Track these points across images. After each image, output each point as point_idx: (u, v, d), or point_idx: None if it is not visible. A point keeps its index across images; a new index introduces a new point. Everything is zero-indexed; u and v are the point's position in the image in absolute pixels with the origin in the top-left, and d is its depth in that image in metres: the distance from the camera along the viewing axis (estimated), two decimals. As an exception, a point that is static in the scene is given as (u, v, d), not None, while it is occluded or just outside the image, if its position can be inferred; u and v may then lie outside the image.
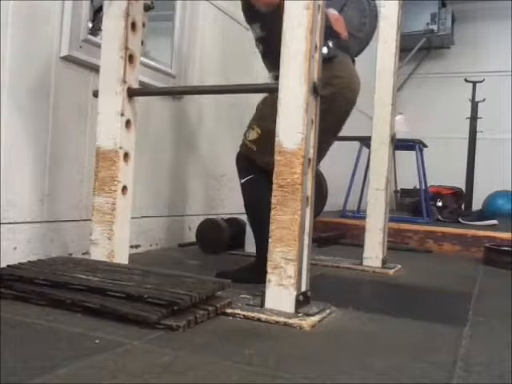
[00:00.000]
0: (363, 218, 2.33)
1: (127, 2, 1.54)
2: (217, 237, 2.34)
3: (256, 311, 1.27)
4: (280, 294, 1.28)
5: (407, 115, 4.29)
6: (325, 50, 1.65)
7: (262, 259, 1.37)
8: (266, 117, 1.71)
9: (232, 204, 2.89)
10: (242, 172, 1.78)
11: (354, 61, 1.93)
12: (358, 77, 1.89)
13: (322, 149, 1.65)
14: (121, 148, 1.55)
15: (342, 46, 1.83)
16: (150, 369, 0.89)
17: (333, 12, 1.98)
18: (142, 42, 1.78)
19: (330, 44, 1.72)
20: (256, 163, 1.73)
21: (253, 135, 1.72)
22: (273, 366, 0.95)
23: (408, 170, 4.65)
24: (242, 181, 1.77)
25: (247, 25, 1.86)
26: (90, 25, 1.90)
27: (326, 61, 1.58)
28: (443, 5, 6.49)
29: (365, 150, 3.65)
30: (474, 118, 5.30)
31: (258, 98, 1.83)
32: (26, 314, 1.18)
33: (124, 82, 1.55)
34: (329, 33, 1.71)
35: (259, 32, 1.78)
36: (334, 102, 1.70)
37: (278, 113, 1.31)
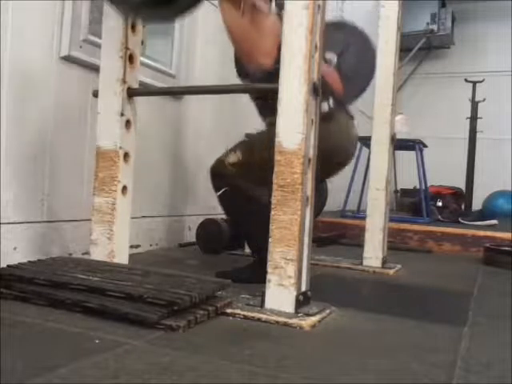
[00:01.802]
0: (363, 217, 2.33)
1: (127, 2, 1.54)
2: (217, 237, 2.34)
3: (256, 311, 1.27)
4: (280, 294, 1.28)
5: (407, 115, 4.28)
6: (325, 106, 1.69)
7: (261, 259, 1.37)
8: (250, 144, 1.75)
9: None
10: (216, 186, 1.80)
11: (352, 117, 1.96)
12: (355, 134, 1.93)
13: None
14: (121, 148, 1.55)
15: (341, 103, 1.87)
16: (150, 369, 0.89)
17: (327, 69, 2.00)
18: (142, 42, 1.78)
19: (331, 101, 1.73)
20: (229, 179, 1.74)
21: (233, 158, 1.74)
22: (273, 366, 0.95)
23: (408, 170, 4.65)
24: (218, 194, 1.80)
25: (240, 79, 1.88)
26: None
27: (326, 118, 1.60)
28: (443, 5, 6.49)
29: (365, 149, 3.65)
30: (474, 118, 5.29)
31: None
32: (26, 314, 1.18)
33: (124, 81, 1.55)
34: (329, 90, 1.76)
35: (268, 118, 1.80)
36: (329, 158, 1.70)
37: (278, 113, 1.31)
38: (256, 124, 2.01)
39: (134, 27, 1.57)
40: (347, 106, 1.95)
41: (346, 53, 2.25)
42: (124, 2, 1.39)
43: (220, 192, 1.79)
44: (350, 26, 2.48)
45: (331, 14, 4.28)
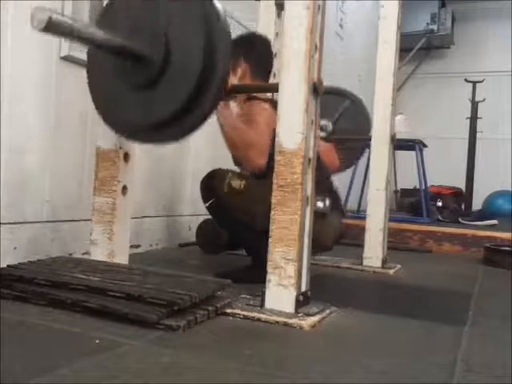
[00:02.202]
0: (363, 217, 2.33)
1: (127, 2, 1.54)
2: (217, 237, 2.33)
3: (256, 311, 1.27)
4: (280, 294, 1.28)
5: (407, 115, 4.29)
6: (320, 204, 1.69)
7: (260, 259, 1.37)
8: (254, 186, 1.72)
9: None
10: (205, 195, 1.79)
11: (343, 215, 1.99)
12: (342, 229, 1.96)
13: None
14: (121, 148, 1.55)
15: (338, 202, 1.89)
16: (150, 369, 0.89)
17: (324, 145, 2.04)
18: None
19: (327, 202, 1.74)
20: (220, 196, 1.72)
21: (236, 183, 1.71)
22: (273, 366, 0.95)
23: (408, 170, 4.66)
24: (206, 205, 1.79)
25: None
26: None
27: (318, 216, 1.57)
28: (443, 5, 6.50)
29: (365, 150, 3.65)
30: (474, 118, 5.30)
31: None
32: (26, 314, 1.18)
33: (124, 82, 1.55)
34: (327, 187, 1.81)
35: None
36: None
37: (278, 113, 1.31)
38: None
39: (134, 27, 1.57)
40: (341, 204, 1.98)
41: (341, 119, 2.29)
42: (123, 128, 1.43)
43: (208, 203, 1.77)
44: (344, 92, 2.52)
45: (331, 14, 4.29)
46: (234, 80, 1.72)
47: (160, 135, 1.38)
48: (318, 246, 1.63)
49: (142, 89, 1.33)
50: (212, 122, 2.75)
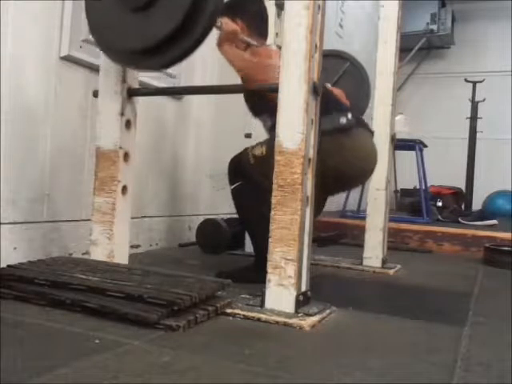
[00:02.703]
0: (363, 217, 2.33)
1: (127, 1, 1.54)
2: (217, 237, 2.34)
3: (256, 311, 1.27)
4: (280, 294, 1.28)
5: (407, 115, 4.29)
6: (343, 120, 1.68)
7: (262, 259, 1.37)
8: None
9: (232, 204, 2.88)
10: (231, 177, 1.80)
11: (372, 133, 1.94)
12: (375, 150, 1.89)
13: (321, 204, 1.79)
14: (121, 148, 1.55)
15: (360, 119, 1.86)
16: (150, 369, 0.89)
17: (335, 88, 2.04)
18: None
19: (349, 116, 1.72)
20: (247, 173, 1.74)
21: (258, 151, 1.73)
22: (273, 366, 0.95)
23: (408, 169, 4.65)
24: (232, 187, 1.79)
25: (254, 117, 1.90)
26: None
27: (342, 131, 1.61)
28: (443, 5, 6.50)
29: (365, 150, 3.65)
30: (474, 118, 5.30)
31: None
32: (26, 313, 1.18)
33: (124, 81, 1.55)
34: (345, 105, 1.79)
35: (269, 121, 1.79)
36: (341, 173, 1.71)
37: (278, 113, 1.31)
38: (257, 124, 2.01)
39: (133, 27, 1.57)
40: (366, 122, 1.93)
41: (341, 82, 2.27)
42: (114, 50, 1.42)
43: (235, 185, 1.77)
44: (344, 55, 2.51)
45: (331, 14, 4.29)
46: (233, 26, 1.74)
47: (155, 59, 1.36)
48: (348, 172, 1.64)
49: (137, 11, 1.32)
50: (213, 126, 2.76)
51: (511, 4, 5.99)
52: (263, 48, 1.83)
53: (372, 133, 1.93)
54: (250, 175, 1.72)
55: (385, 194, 2.21)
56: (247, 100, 1.88)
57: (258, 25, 1.90)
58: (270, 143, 1.72)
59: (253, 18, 1.88)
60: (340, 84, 2.32)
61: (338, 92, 1.98)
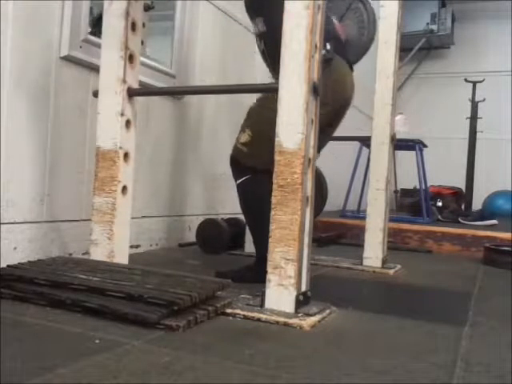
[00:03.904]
0: (363, 217, 2.33)
1: (127, 1, 1.54)
2: (217, 237, 2.34)
3: (256, 311, 1.27)
4: (280, 294, 1.28)
5: (407, 115, 4.29)
6: (322, 52, 1.65)
7: (262, 259, 1.37)
8: (258, 119, 1.72)
9: (232, 204, 2.88)
10: (236, 174, 1.79)
11: (351, 66, 1.92)
12: (352, 82, 1.89)
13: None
14: (121, 148, 1.55)
15: (340, 49, 1.83)
16: (150, 369, 0.89)
17: (335, 21, 1.99)
18: (142, 42, 1.78)
19: (328, 46, 1.71)
20: (246, 165, 1.73)
21: (244, 138, 1.73)
22: (273, 366, 0.95)
23: (408, 169, 4.66)
24: (237, 182, 1.77)
25: (249, 20, 1.84)
26: (89, 30, 1.90)
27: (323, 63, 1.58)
28: (443, 5, 6.50)
29: (365, 150, 3.65)
30: (474, 118, 5.30)
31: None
32: (26, 313, 1.18)
33: (124, 81, 1.55)
34: (330, 35, 1.72)
35: (261, 27, 1.76)
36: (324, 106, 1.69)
37: (277, 113, 1.31)
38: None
39: (134, 27, 1.57)
40: (347, 54, 1.89)
41: (345, 18, 2.23)
42: None
43: (239, 181, 1.76)
44: None
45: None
46: None
47: None
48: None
49: None
50: (213, 126, 2.76)
51: (511, 4, 5.99)
52: None
53: (349, 62, 1.90)
54: (251, 165, 1.71)
55: (385, 194, 2.21)
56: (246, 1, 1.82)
57: None
58: (248, 120, 1.73)
59: None
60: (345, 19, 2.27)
61: (337, 25, 1.95)
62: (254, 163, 1.70)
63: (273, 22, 1.67)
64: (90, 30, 1.89)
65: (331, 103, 1.73)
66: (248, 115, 1.79)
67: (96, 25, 1.96)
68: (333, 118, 1.86)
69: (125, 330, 1.09)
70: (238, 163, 1.77)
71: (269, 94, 1.64)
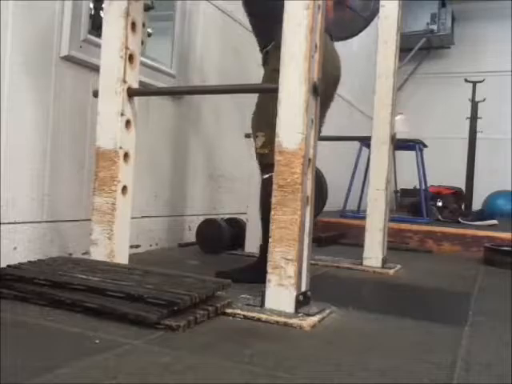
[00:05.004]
0: (363, 217, 2.33)
1: (127, 1, 1.54)
2: (217, 237, 2.34)
3: (256, 311, 1.27)
4: (280, 294, 1.28)
5: (407, 115, 4.29)
6: None
7: (263, 259, 1.37)
8: (262, 117, 1.71)
9: (232, 204, 2.89)
10: (263, 169, 1.76)
11: (332, 38, 1.89)
12: (337, 53, 1.88)
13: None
14: (121, 148, 1.55)
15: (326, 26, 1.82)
16: (150, 369, 0.89)
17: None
18: (142, 42, 1.78)
19: None
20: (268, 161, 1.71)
21: (260, 141, 1.72)
22: (273, 366, 0.95)
23: (408, 170, 4.66)
24: (264, 177, 1.75)
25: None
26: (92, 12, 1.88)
27: None
28: (443, 5, 6.50)
29: (365, 149, 3.65)
30: (474, 118, 5.30)
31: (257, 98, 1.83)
32: (26, 314, 1.18)
33: (124, 81, 1.55)
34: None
35: (257, 12, 1.78)
36: None
37: (277, 113, 1.31)
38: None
39: (134, 27, 1.57)
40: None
41: None
42: None
43: (266, 176, 1.72)
44: None
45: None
46: None
47: None
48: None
49: None
50: (212, 126, 2.76)
51: (511, 4, 6.00)
52: None
53: (331, 36, 1.88)
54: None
55: (385, 194, 2.21)
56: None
57: None
58: (256, 122, 1.73)
59: None
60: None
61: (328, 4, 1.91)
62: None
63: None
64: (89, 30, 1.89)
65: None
66: (254, 116, 1.79)
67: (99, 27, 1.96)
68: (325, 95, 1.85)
69: (125, 329, 1.09)
70: (265, 162, 1.74)
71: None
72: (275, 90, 1.32)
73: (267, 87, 1.67)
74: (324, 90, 1.71)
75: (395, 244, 3.00)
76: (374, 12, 2.27)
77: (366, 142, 3.25)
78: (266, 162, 1.73)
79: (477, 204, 5.37)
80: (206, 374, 0.90)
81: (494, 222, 3.88)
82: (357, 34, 2.10)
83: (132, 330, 1.10)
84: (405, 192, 5.49)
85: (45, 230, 1.77)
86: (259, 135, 1.73)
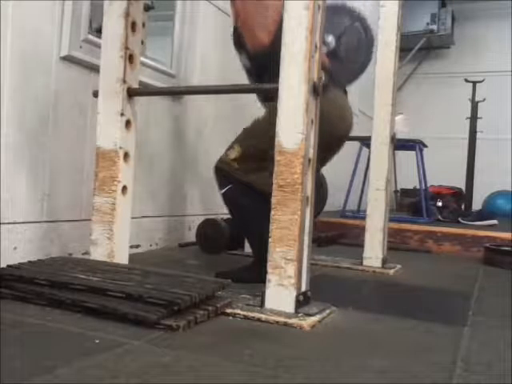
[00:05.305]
0: (363, 218, 2.33)
1: (127, 1, 1.54)
2: (217, 237, 2.33)
3: (256, 311, 1.27)
4: (280, 294, 1.28)
5: (407, 115, 4.29)
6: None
7: (261, 259, 1.37)
8: (249, 135, 1.75)
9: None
10: (220, 184, 1.80)
11: (346, 92, 1.94)
12: (350, 109, 1.91)
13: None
14: (121, 148, 1.55)
15: (334, 78, 1.83)
16: (150, 369, 0.89)
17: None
18: (142, 42, 1.78)
19: (323, 76, 1.71)
20: (232, 176, 1.74)
21: (233, 154, 1.73)
22: (273, 366, 0.95)
23: (408, 169, 4.65)
24: (222, 191, 1.78)
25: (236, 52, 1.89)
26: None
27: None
28: (443, 5, 6.50)
29: (365, 150, 3.65)
30: (474, 118, 5.30)
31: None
32: (26, 313, 1.18)
33: (124, 81, 1.55)
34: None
35: (247, 63, 1.82)
36: (327, 132, 1.63)
37: (277, 113, 1.31)
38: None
39: (134, 27, 1.57)
40: (340, 81, 1.91)
41: (345, 36, 2.24)
42: None
43: (224, 189, 1.77)
44: (350, 10, 2.47)
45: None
46: None
47: None
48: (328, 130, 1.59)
49: None
50: (213, 126, 2.76)
51: (511, 4, 5.99)
52: None
53: (346, 92, 1.92)
54: (239, 179, 1.72)
55: (385, 194, 2.21)
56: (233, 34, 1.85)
57: None
58: (241, 138, 1.75)
59: None
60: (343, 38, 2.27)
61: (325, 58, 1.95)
62: (249, 179, 1.70)
63: (258, 62, 1.75)
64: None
65: (333, 129, 1.74)
66: (240, 134, 1.81)
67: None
68: (330, 147, 1.86)
69: (125, 329, 1.09)
70: (224, 174, 1.76)
71: (262, 122, 1.70)
72: (275, 90, 1.32)
73: (266, 87, 1.67)
74: (327, 144, 1.72)
75: (395, 244, 3.00)
76: (368, 59, 2.30)
77: (365, 142, 3.26)
78: (223, 174, 1.76)
79: (477, 204, 5.36)
80: (206, 374, 0.90)
81: (494, 222, 3.88)
82: (348, 85, 2.14)
83: (132, 330, 1.10)
84: (405, 192, 5.49)
85: (45, 230, 1.77)
86: (235, 147, 1.74)
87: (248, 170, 1.70)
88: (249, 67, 1.85)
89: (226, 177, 1.76)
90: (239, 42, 1.83)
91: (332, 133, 1.73)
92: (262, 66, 1.62)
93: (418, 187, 4.25)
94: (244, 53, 1.82)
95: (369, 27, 2.36)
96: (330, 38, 1.96)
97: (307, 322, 1.21)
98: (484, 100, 5.25)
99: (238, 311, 1.27)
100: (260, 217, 1.56)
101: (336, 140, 1.86)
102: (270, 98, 1.70)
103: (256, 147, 1.68)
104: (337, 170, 3.81)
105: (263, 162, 1.56)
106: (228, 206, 1.81)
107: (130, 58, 1.57)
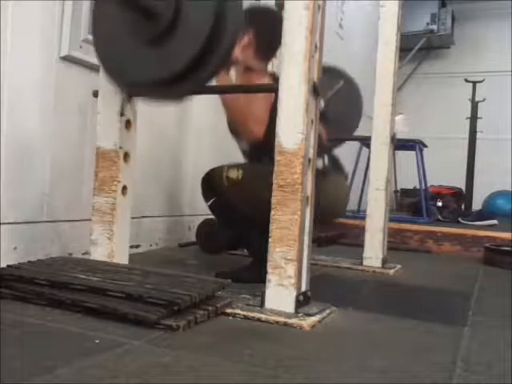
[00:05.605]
0: (363, 218, 2.33)
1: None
2: (217, 237, 2.33)
3: (256, 311, 1.27)
4: (280, 294, 1.28)
5: (407, 115, 4.29)
6: (320, 163, 1.65)
7: (257, 260, 1.37)
8: (253, 174, 1.69)
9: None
10: (206, 195, 1.81)
11: (346, 176, 1.98)
12: (347, 194, 1.96)
13: None
14: (121, 148, 1.55)
15: (336, 161, 1.87)
16: (150, 369, 0.89)
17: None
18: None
19: (326, 159, 1.73)
20: (219, 194, 1.74)
21: (233, 174, 1.68)
22: (273, 366, 0.95)
23: (408, 169, 4.66)
24: (208, 203, 1.80)
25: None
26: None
27: (320, 175, 1.50)
28: (443, 5, 6.51)
29: (365, 150, 3.65)
30: (474, 118, 5.30)
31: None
32: (26, 314, 1.18)
33: (124, 81, 1.55)
34: (326, 148, 1.78)
35: (246, 149, 1.83)
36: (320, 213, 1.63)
37: (278, 113, 1.31)
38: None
39: (133, 27, 1.57)
40: (342, 165, 1.95)
41: (334, 98, 2.27)
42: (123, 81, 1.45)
43: (210, 202, 1.79)
44: (337, 71, 2.51)
45: (331, 14, 4.28)
46: (237, 50, 1.64)
47: (165, 92, 1.39)
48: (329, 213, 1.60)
49: (151, 44, 1.33)
50: (213, 127, 2.76)
51: (511, 4, 6.00)
52: (261, 79, 1.76)
53: (346, 176, 1.96)
54: (223, 197, 1.72)
55: (385, 194, 2.21)
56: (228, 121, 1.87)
57: (270, 40, 1.74)
58: (248, 169, 1.71)
59: (266, 32, 1.76)
60: (332, 102, 2.30)
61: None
62: (228, 200, 1.70)
63: (255, 147, 1.74)
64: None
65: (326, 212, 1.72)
66: (246, 164, 1.81)
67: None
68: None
69: (125, 329, 1.09)
70: (210, 185, 1.76)
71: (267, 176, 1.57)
72: (275, 90, 1.32)
73: (266, 87, 1.67)
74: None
75: (395, 244, 3.00)
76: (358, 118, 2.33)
77: (366, 142, 3.26)
78: (211, 186, 1.76)
79: (477, 204, 5.37)
80: (206, 374, 0.90)
81: (494, 222, 3.88)
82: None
83: (132, 330, 1.10)
84: (405, 192, 5.50)
85: (45, 230, 1.77)
86: (239, 171, 1.69)
87: (237, 197, 1.68)
88: (248, 152, 1.85)
89: (213, 189, 1.76)
90: (235, 130, 1.84)
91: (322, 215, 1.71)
92: (262, 151, 1.61)
93: (418, 187, 4.25)
94: (241, 140, 1.83)
95: (356, 86, 2.42)
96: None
97: (307, 322, 1.21)
98: (484, 100, 5.26)
99: (238, 311, 1.27)
100: (251, 219, 1.59)
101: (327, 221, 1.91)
102: (257, 156, 1.72)
103: (253, 190, 1.63)
104: (337, 170, 3.81)
105: (253, 204, 1.58)
106: (215, 216, 1.87)
107: (130, 58, 1.56)
